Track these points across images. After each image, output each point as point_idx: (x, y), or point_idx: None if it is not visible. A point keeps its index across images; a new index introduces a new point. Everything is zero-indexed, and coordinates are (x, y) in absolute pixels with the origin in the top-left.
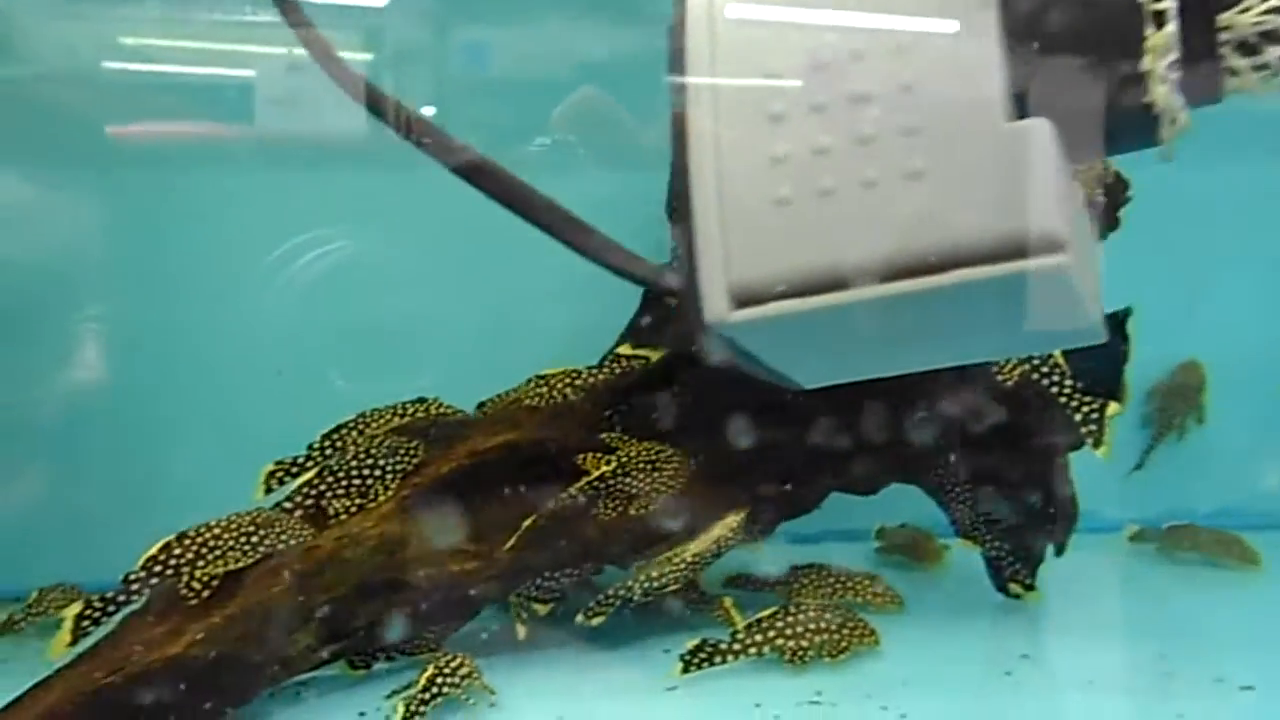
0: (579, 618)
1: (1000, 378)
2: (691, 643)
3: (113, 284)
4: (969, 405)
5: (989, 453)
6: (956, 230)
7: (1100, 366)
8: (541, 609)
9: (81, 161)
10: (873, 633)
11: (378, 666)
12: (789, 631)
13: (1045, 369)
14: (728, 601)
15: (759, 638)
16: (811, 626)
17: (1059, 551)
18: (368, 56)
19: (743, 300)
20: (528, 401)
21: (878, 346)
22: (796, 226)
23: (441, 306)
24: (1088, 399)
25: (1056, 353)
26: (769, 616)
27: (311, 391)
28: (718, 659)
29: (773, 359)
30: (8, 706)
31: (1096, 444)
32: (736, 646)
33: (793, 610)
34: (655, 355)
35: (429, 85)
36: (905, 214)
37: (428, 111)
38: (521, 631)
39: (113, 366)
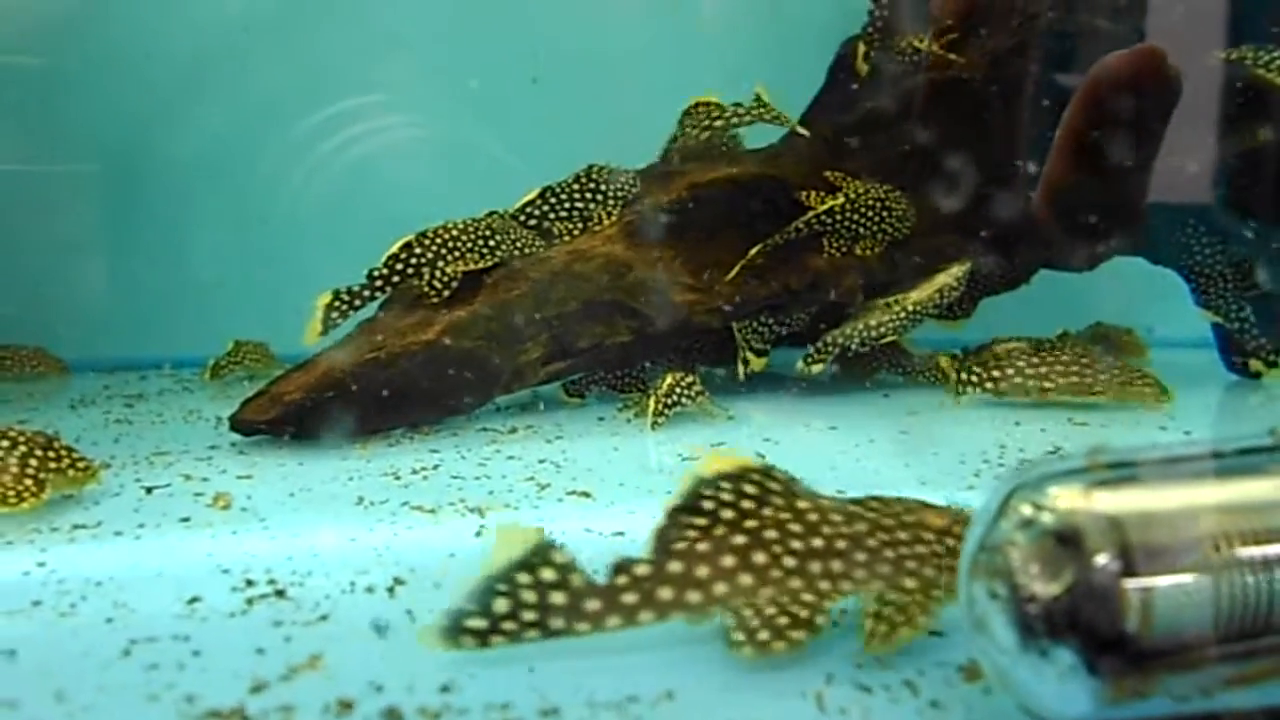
0: (799, 365)
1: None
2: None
3: None
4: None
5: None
6: None
7: None
8: (758, 361)
9: None
10: (1165, 390)
11: (590, 398)
12: (1031, 371)
13: None
14: (944, 360)
15: (996, 373)
16: (1073, 367)
17: None
18: None
19: None
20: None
21: None
22: None
23: None
24: None
25: None
26: (1010, 354)
27: None
28: (974, 390)
29: None
30: (287, 374)
31: None
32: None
33: (1050, 350)
34: None
35: None
36: None
37: None
38: (745, 370)
39: None
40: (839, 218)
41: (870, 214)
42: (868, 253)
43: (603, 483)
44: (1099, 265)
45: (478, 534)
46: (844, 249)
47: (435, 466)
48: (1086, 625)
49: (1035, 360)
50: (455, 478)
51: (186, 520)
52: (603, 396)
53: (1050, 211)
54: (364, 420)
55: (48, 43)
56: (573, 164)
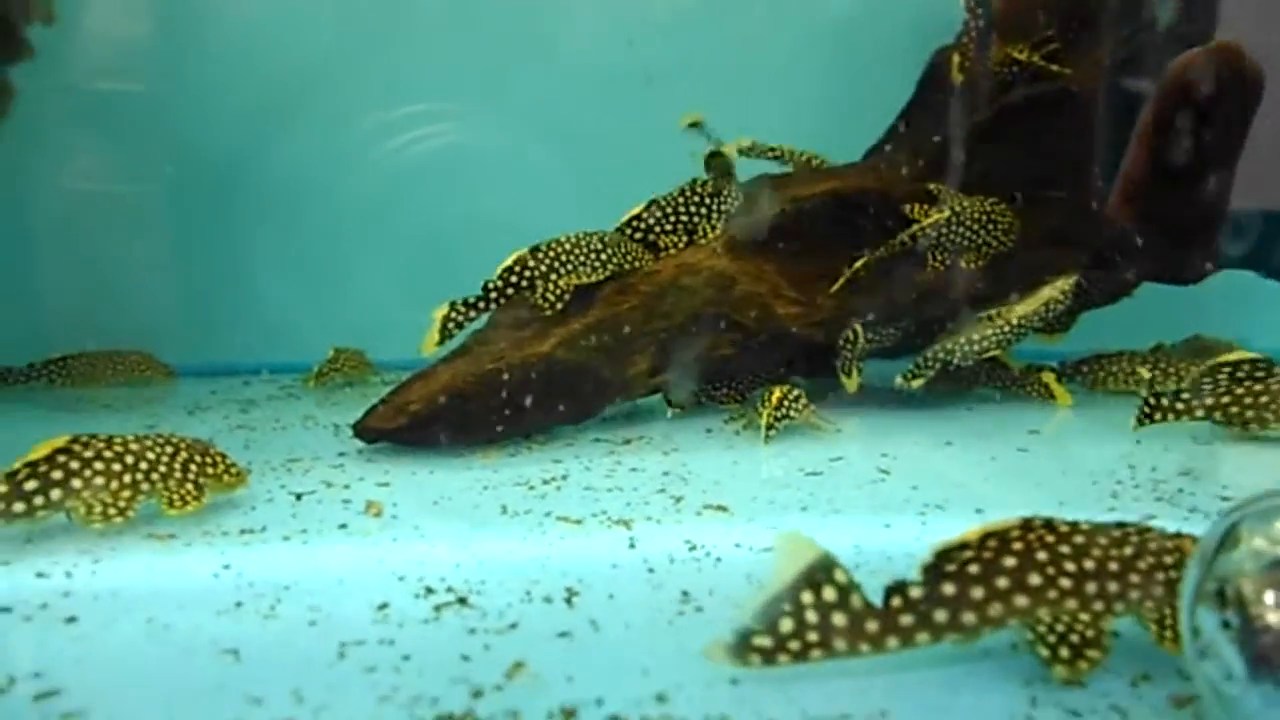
0: (898, 380)
1: None
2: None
3: None
4: None
5: None
6: None
7: None
8: (850, 383)
9: None
10: None
11: (690, 409)
12: (1250, 400)
13: None
14: (1049, 376)
15: (1210, 401)
16: None
17: None
18: None
19: None
20: None
21: None
22: None
23: None
24: None
25: None
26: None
27: None
28: (1170, 416)
29: None
30: (408, 383)
31: None
32: (1180, 406)
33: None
34: None
35: None
36: None
37: None
38: (850, 385)
39: None
40: (944, 231)
41: (975, 227)
42: (972, 266)
43: (734, 497)
44: (1204, 279)
45: (631, 546)
46: (948, 262)
47: (564, 477)
48: None
49: (1259, 388)
50: (588, 489)
51: (344, 527)
52: (704, 408)
53: (1126, 213)
54: (482, 430)
55: (148, 69)
56: (652, 177)
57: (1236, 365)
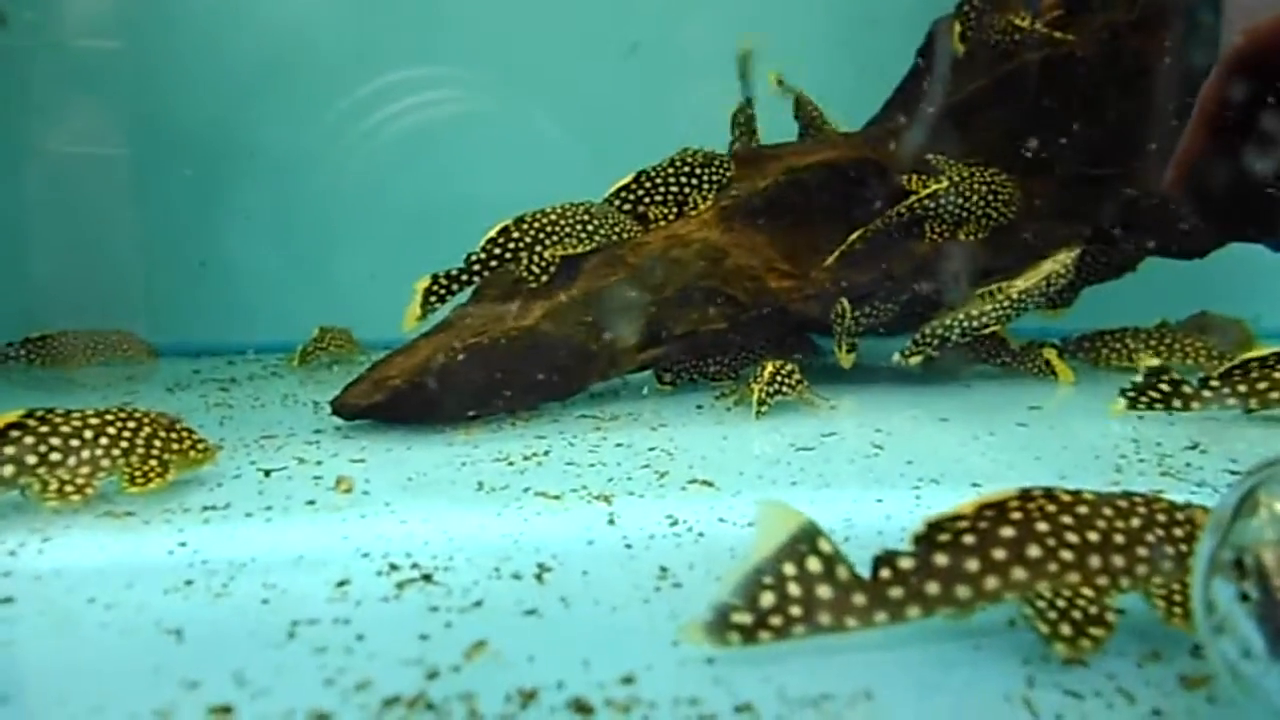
0: (895, 357)
1: None
2: (1146, 364)
3: None
4: None
5: None
6: None
7: None
8: (846, 359)
9: None
10: None
11: (680, 385)
12: None
13: None
14: (1050, 352)
15: (1243, 388)
16: None
17: None
18: None
19: None
20: None
21: None
22: None
23: None
24: None
25: None
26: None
27: None
28: (1176, 402)
29: None
30: (388, 358)
31: None
32: (1207, 394)
33: None
34: None
35: None
36: None
37: None
38: (845, 361)
39: None
40: (943, 202)
41: (975, 198)
42: (972, 238)
43: (721, 472)
44: (1211, 252)
45: (610, 522)
46: (947, 234)
47: (546, 452)
48: None
49: None
50: (570, 464)
51: (312, 503)
52: (694, 384)
53: (1183, 194)
54: (464, 405)
55: (126, 27)
56: (649, 147)
57: (1265, 357)
